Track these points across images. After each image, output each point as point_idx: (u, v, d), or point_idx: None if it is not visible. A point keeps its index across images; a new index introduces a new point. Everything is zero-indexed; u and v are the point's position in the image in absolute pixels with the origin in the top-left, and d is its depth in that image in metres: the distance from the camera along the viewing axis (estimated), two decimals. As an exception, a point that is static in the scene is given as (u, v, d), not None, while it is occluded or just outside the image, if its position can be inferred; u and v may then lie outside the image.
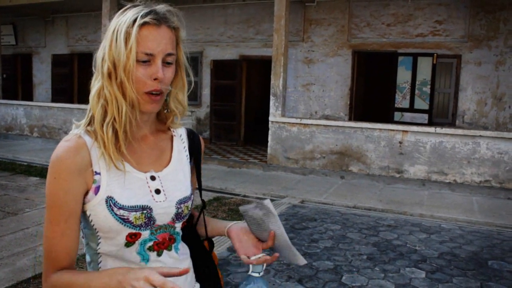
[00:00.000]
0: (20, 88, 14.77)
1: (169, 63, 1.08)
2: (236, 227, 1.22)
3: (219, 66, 10.89)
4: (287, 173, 8.18)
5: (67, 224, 1.04)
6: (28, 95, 14.18)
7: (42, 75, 13.84)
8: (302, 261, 1.14)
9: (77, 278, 1.03)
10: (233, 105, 10.84)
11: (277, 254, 1.17)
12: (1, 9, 11.94)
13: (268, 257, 1.14)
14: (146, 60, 1.04)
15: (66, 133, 11.30)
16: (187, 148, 1.25)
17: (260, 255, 1.15)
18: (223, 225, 1.26)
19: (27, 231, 4.70)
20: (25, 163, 8.51)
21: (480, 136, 7.17)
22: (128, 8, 1.07)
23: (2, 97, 12.68)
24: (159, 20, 1.05)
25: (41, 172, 7.63)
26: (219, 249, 4.29)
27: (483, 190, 7.01)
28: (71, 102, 12.62)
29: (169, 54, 1.07)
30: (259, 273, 1.08)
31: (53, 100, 12.92)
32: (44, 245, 1.06)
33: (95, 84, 1.08)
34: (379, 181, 7.64)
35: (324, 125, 8.24)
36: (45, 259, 1.06)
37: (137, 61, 1.03)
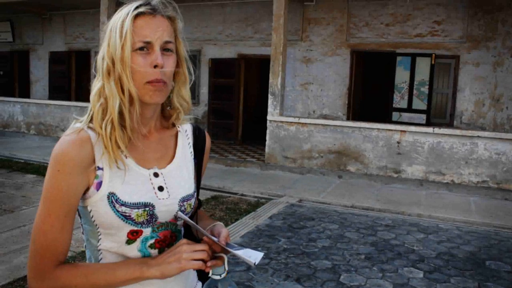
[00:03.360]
0: (17, 85, 14.70)
1: (168, 50, 1.07)
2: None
3: (217, 65, 10.87)
4: (285, 172, 8.17)
5: (66, 218, 1.03)
6: (25, 92, 14.11)
7: (39, 72, 13.78)
8: (250, 262, 1.08)
9: (95, 268, 1.04)
10: (231, 104, 10.82)
11: (208, 265, 1.06)
12: (-2, 5, 11.89)
13: (213, 261, 1.06)
14: (144, 47, 1.03)
15: (63, 130, 11.24)
16: (191, 144, 1.25)
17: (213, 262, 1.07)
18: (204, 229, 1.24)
19: (24, 229, 4.68)
20: (22, 161, 8.48)
21: (478, 136, 7.18)
22: (124, 6, 1.07)
23: (-1, 94, 12.65)
24: (154, 9, 1.05)
25: (38, 169, 7.60)
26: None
27: (480, 190, 7.02)
28: (69, 99, 12.55)
29: (167, 42, 1.06)
30: (220, 275, 1.05)
31: (50, 98, 12.87)
32: (38, 239, 1.02)
33: (96, 84, 1.07)
34: (376, 180, 7.64)
35: (322, 125, 8.24)
36: (39, 255, 1.02)
37: (135, 50, 1.03)
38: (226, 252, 1.07)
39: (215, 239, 1.07)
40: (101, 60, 1.06)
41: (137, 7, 1.04)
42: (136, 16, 1.03)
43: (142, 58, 1.03)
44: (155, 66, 1.03)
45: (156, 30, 1.04)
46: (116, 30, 1.03)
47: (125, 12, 1.04)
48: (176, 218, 1.14)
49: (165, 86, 1.07)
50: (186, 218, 1.10)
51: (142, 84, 1.04)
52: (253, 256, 1.05)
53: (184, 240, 1.05)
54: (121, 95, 1.04)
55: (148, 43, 1.03)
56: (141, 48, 1.03)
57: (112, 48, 1.03)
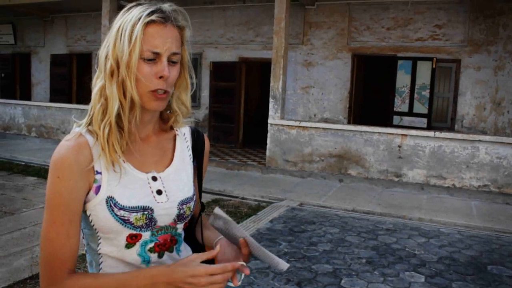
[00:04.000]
0: (18, 87, 14.72)
1: (174, 62, 1.07)
2: (223, 240, 1.19)
3: (218, 68, 10.88)
4: (286, 176, 8.16)
5: (71, 224, 1.02)
6: (26, 95, 14.13)
7: (40, 74, 13.80)
8: (283, 265, 1.07)
9: (104, 281, 1.01)
10: (232, 107, 10.82)
11: (237, 265, 1.05)
12: (0, 8, 11.91)
13: (242, 265, 1.05)
14: (152, 58, 1.02)
15: (64, 133, 11.22)
16: (190, 147, 1.24)
17: (236, 264, 1.06)
18: (214, 237, 1.23)
19: (24, 231, 4.67)
20: (23, 163, 8.47)
21: (479, 140, 7.17)
22: (132, 7, 1.05)
23: (0, 96, 12.65)
24: (166, 18, 1.04)
25: (38, 172, 7.60)
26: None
27: (481, 194, 7.00)
28: (70, 102, 12.58)
29: (175, 53, 1.06)
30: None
31: (51, 100, 12.88)
32: (45, 247, 1.02)
33: (97, 83, 1.06)
34: (377, 184, 7.62)
35: (323, 128, 8.23)
36: (48, 264, 1.01)
37: (143, 59, 1.02)
38: (253, 255, 1.08)
39: (253, 240, 1.07)
40: (103, 59, 1.05)
41: (149, 14, 1.02)
42: (147, 23, 1.02)
43: (149, 67, 1.03)
44: (161, 77, 1.03)
45: (166, 41, 1.03)
46: (125, 33, 1.01)
47: (136, 16, 1.02)
48: (175, 221, 1.13)
49: (167, 95, 1.08)
50: (225, 216, 1.09)
51: (146, 92, 1.04)
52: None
53: (198, 261, 0.99)
54: (122, 99, 1.04)
55: (156, 53, 1.03)
56: (149, 59, 1.02)
57: (119, 50, 1.02)
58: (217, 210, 1.10)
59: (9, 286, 3.44)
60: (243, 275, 1.07)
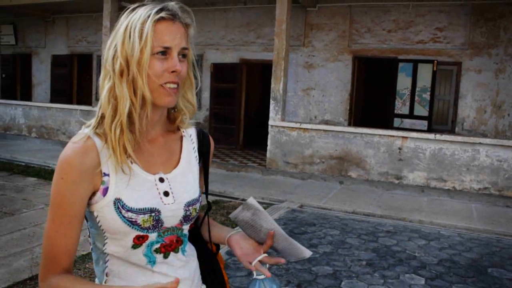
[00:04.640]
0: (18, 88, 14.73)
1: (184, 56, 1.08)
2: (236, 236, 1.23)
3: (219, 70, 10.89)
4: (286, 178, 8.16)
5: (70, 225, 1.03)
6: (27, 95, 14.13)
7: (41, 75, 13.81)
8: (306, 252, 1.15)
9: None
10: (232, 109, 10.83)
11: (281, 260, 1.19)
12: (1, 9, 11.91)
13: (267, 256, 1.16)
14: (163, 51, 1.03)
15: (64, 134, 11.12)
16: (196, 148, 1.24)
17: (260, 256, 1.16)
18: (225, 234, 1.26)
19: (24, 232, 4.67)
20: (23, 163, 8.46)
21: (480, 143, 7.17)
22: (137, 7, 1.06)
23: (1, 97, 12.65)
24: (174, 15, 1.06)
25: (38, 172, 7.58)
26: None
27: (482, 197, 7.00)
28: (70, 102, 12.55)
29: (184, 48, 1.08)
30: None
31: (52, 101, 12.88)
32: (44, 244, 1.04)
33: (106, 85, 1.06)
34: (378, 187, 7.62)
35: (323, 130, 8.23)
36: (44, 259, 1.04)
37: (154, 54, 1.03)
38: (282, 243, 1.15)
39: (281, 231, 1.12)
40: (111, 59, 1.05)
41: (157, 12, 1.03)
42: (157, 20, 1.03)
43: (160, 63, 1.04)
44: (173, 71, 1.04)
45: (175, 37, 1.05)
46: (134, 31, 1.02)
47: (144, 15, 1.03)
48: (181, 222, 1.14)
49: (178, 90, 1.08)
50: (258, 205, 1.13)
51: (156, 86, 1.04)
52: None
53: None
54: (132, 97, 1.04)
55: (167, 48, 1.04)
56: (161, 53, 1.03)
57: (129, 49, 1.02)
58: (251, 200, 1.14)
59: (9, 287, 3.44)
60: (267, 265, 1.15)
